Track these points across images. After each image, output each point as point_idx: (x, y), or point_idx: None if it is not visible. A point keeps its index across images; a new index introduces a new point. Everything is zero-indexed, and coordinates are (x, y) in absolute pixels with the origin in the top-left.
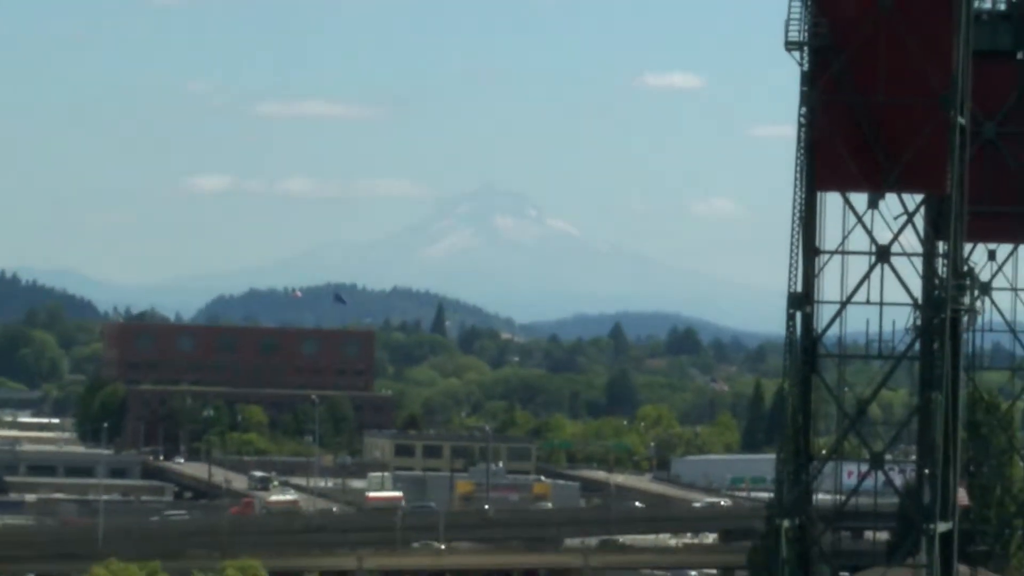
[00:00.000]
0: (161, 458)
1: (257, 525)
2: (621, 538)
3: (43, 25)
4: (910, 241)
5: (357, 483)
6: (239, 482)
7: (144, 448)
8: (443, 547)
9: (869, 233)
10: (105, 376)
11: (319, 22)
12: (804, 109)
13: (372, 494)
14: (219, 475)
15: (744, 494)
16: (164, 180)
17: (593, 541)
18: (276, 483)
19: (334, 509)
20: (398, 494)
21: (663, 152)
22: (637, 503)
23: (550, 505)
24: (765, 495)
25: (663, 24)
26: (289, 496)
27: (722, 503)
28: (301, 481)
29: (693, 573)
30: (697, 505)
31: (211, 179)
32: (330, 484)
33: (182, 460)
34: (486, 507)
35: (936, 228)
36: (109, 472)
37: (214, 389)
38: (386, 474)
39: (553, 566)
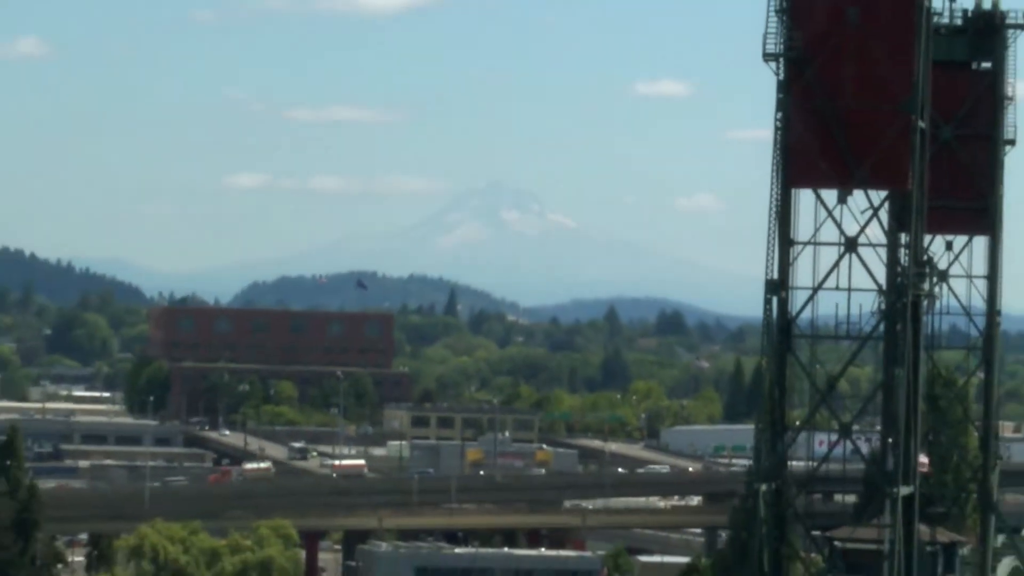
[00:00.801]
0: (207, 428)
1: (287, 488)
2: (614, 501)
3: (101, 41)
4: (875, 233)
5: (378, 451)
6: (272, 450)
7: (192, 419)
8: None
9: (838, 226)
10: (151, 354)
11: (344, 37)
12: (779, 114)
13: (338, 462)
14: (254, 443)
15: (726, 461)
16: (205, 178)
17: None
18: (315, 454)
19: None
20: (361, 462)
21: (652, 152)
22: (620, 469)
23: (543, 471)
24: (745, 462)
25: (653, 37)
26: (264, 465)
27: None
28: (327, 449)
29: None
30: (641, 471)
31: (247, 177)
32: (353, 452)
33: (227, 432)
34: (481, 472)
35: (899, 221)
36: (154, 441)
37: (249, 366)
38: (403, 443)
39: (553, 526)
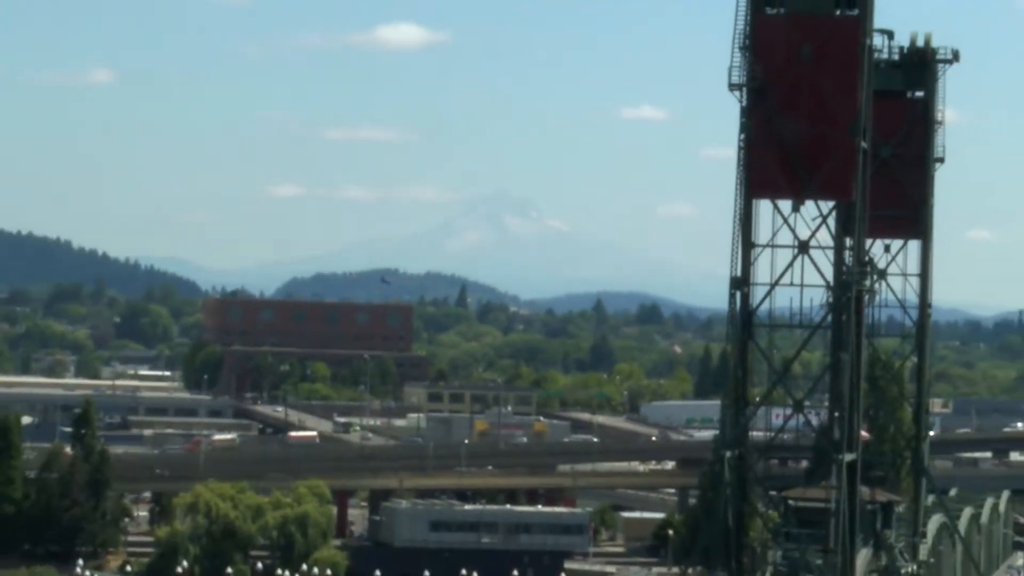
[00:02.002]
0: (258, 403)
1: (320, 453)
2: (600, 465)
3: (162, 70)
4: (824, 237)
5: (399, 422)
6: (310, 421)
7: (246, 395)
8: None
9: (792, 231)
10: (205, 339)
11: (370, 68)
12: (743, 135)
13: (293, 434)
14: (293, 416)
15: (696, 431)
16: (251, 188)
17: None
18: (357, 428)
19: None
20: (313, 433)
21: (636, 168)
22: (594, 439)
23: (525, 440)
24: (712, 432)
25: (636, 69)
26: (228, 436)
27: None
28: (356, 420)
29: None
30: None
31: (287, 188)
32: (377, 423)
33: (280, 409)
34: (466, 441)
35: (844, 227)
36: (208, 413)
37: (289, 350)
38: (421, 415)
39: (549, 486)
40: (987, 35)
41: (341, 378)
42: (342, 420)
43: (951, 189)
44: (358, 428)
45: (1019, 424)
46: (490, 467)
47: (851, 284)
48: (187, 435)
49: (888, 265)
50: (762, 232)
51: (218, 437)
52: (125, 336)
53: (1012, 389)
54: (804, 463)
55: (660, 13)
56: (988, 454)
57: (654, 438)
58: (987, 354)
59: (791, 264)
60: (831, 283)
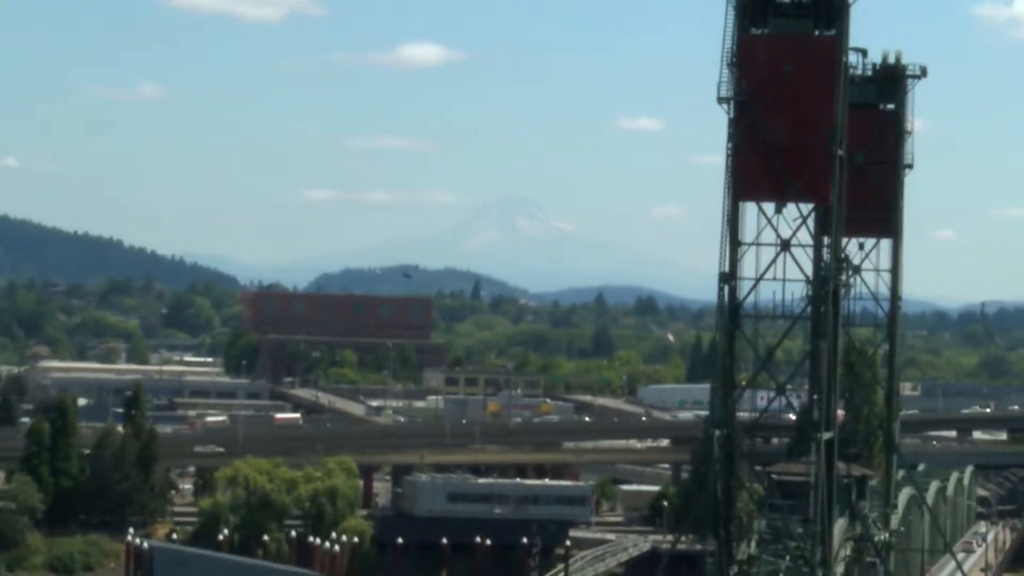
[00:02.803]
0: (296, 387)
1: (348, 432)
2: (602, 442)
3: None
4: (804, 236)
5: (419, 404)
6: (340, 403)
7: (286, 379)
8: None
9: (775, 231)
10: (244, 329)
11: (393, 83)
12: (730, 144)
13: (279, 416)
14: (324, 398)
15: (688, 412)
16: (285, 192)
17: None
18: (390, 411)
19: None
20: (297, 415)
21: (633, 173)
22: (587, 418)
23: (519, 419)
24: (703, 413)
25: (633, 83)
26: (220, 418)
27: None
28: (380, 402)
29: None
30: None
31: (318, 192)
32: (399, 404)
33: (318, 394)
34: (479, 421)
35: (822, 227)
36: (246, 395)
37: (319, 338)
38: (439, 397)
39: (554, 462)
40: (952, 54)
41: (367, 364)
42: (374, 404)
43: (919, 193)
44: (390, 412)
45: (978, 407)
46: (501, 444)
47: (829, 279)
48: (228, 415)
49: (862, 262)
50: (748, 231)
51: (211, 419)
52: (171, 326)
53: (974, 374)
54: (786, 441)
55: (655, 33)
56: (953, 433)
57: (644, 418)
58: (952, 342)
59: (774, 261)
60: (810, 278)
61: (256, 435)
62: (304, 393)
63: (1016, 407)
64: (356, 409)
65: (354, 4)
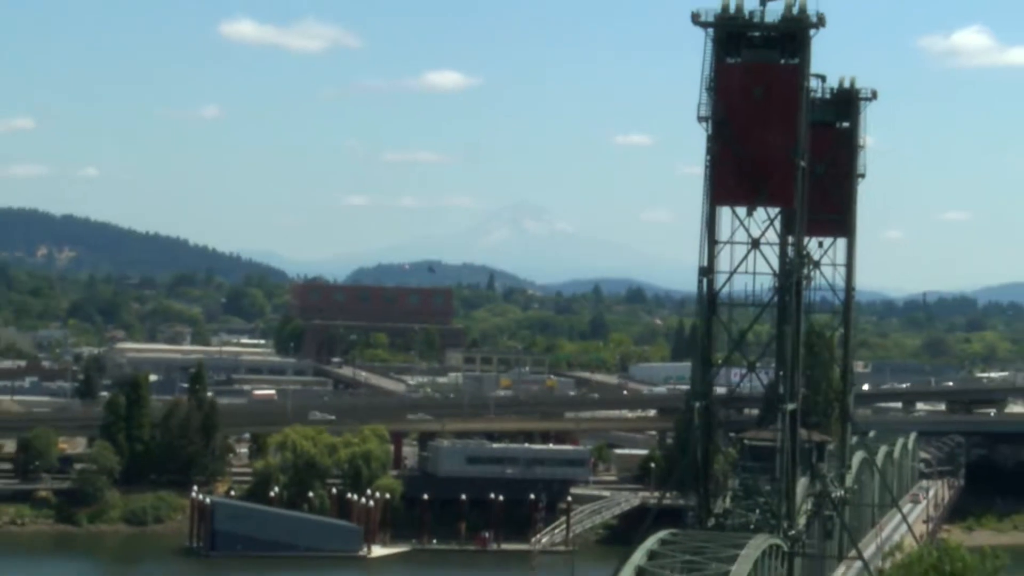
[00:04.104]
0: (343, 367)
1: (382, 403)
2: (598, 412)
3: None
4: (771, 236)
5: (441, 379)
6: (373, 379)
7: (333, 360)
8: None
9: (747, 231)
10: (291, 315)
11: (421, 105)
12: (708, 157)
13: (257, 392)
14: (361, 375)
15: (674, 386)
16: (327, 198)
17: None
18: (428, 388)
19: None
20: (272, 392)
21: (627, 182)
22: (596, 394)
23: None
24: (685, 387)
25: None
26: (270, 392)
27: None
28: (408, 378)
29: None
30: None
31: (355, 198)
32: (425, 380)
33: (364, 374)
34: (493, 394)
35: (787, 228)
36: (293, 372)
37: (356, 323)
38: (458, 374)
39: (558, 429)
40: (898, 79)
41: (397, 345)
42: (412, 382)
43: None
44: (428, 389)
45: (920, 382)
46: (512, 414)
47: (792, 272)
48: (278, 389)
49: (821, 258)
50: (723, 232)
51: (259, 393)
52: (229, 313)
53: (917, 354)
54: (756, 411)
55: (646, 61)
56: (899, 404)
57: (625, 392)
58: (898, 327)
59: (746, 257)
60: (777, 272)
61: (301, 406)
62: (344, 371)
63: (952, 383)
64: (387, 384)
65: (385, 37)
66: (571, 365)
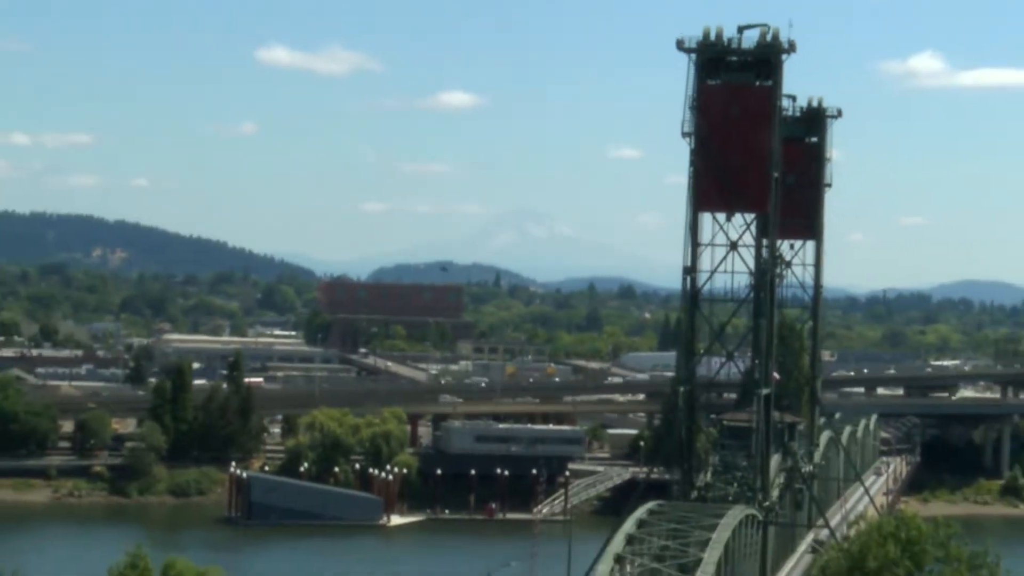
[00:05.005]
0: (368, 357)
1: (400, 388)
2: (593, 396)
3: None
4: (748, 239)
5: (453, 367)
6: (392, 367)
7: (361, 350)
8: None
9: (726, 234)
10: (319, 310)
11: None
12: (691, 168)
13: (247, 380)
14: (380, 363)
15: (661, 373)
16: (350, 204)
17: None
18: (449, 377)
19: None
20: (260, 380)
21: (619, 191)
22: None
23: (531, 379)
24: (670, 374)
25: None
26: (258, 379)
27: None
28: (424, 365)
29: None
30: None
31: (375, 204)
32: (436, 368)
33: (389, 364)
34: (499, 380)
35: (762, 232)
36: (321, 360)
37: (377, 317)
38: (468, 362)
39: (557, 411)
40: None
41: (413, 336)
42: (434, 371)
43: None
44: (449, 377)
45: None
46: (516, 398)
47: (767, 271)
48: (307, 376)
49: (792, 258)
50: (705, 235)
51: (249, 380)
52: (264, 308)
53: (878, 344)
54: (734, 395)
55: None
56: (861, 389)
57: (612, 378)
58: (861, 320)
59: (725, 257)
60: (753, 271)
61: (322, 389)
62: (368, 360)
63: (910, 370)
64: (405, 371)
65: (403, 62)
66: (569, 354)
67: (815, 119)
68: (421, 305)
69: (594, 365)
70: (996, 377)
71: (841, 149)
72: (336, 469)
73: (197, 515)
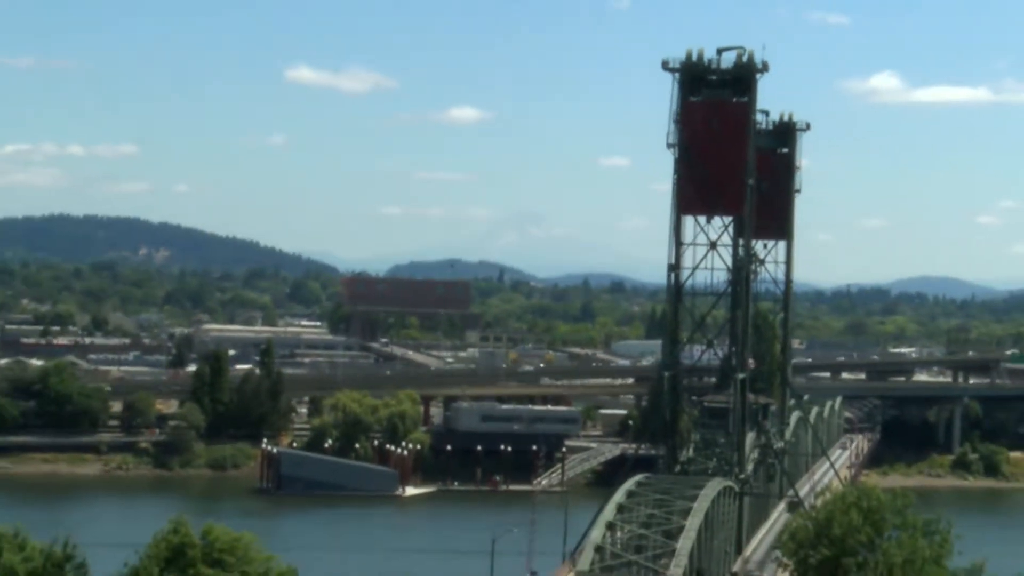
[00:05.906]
0: (390, 347)
1: (414, 373)
2: (587, 380)
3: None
4: (726, 239)
5: (462, 354)
6: (408, 354)
7: (381, 339)
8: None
9: (707, 235)
10: (341, 302)
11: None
12: (675, 175)
13: (238, 366)
14: (397, 351)
15: (649, 360)
16: (370, 209)
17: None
18: (461, 363)
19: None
20: (250, 366)
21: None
22: (594, 363)
23: (531, 367)
24: (656, 360)
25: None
26: (247, 366)
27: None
28: (435, 352)
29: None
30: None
31: (392, 208)
32: (448, 355)
33: (412, 353)
34: (503, 365)
35: (738, 233)
36: (343, 348)
37: (393, 309)
38: (476, 350)
39: (554, 393)
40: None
41: (426, 327)
42: (449, 360)
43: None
44: (457, 363)
45: (844, 356)
46: (518, 382)
47: (743, 268)
48: (330, 362)
49: (765, 256)
50: (687, 235)
51: (239, 367)
52: (292, 301)
53: (842, 333)
54: (713, 379)
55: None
56: (827, 374)
57: (595, 364)
58: (827, 312)
59: (705, 255)
60: (730, 267)
61: (344, 374)
62: (386, 348)
63: (871, 357)
64: (418, 358)
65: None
66: (565, 343)
67: (786, 132)
68: (433, 298)
69: (588, 352)
70: (948, 363)
71: (809, 158)
72: (357, 445)
73: (232, 486)
